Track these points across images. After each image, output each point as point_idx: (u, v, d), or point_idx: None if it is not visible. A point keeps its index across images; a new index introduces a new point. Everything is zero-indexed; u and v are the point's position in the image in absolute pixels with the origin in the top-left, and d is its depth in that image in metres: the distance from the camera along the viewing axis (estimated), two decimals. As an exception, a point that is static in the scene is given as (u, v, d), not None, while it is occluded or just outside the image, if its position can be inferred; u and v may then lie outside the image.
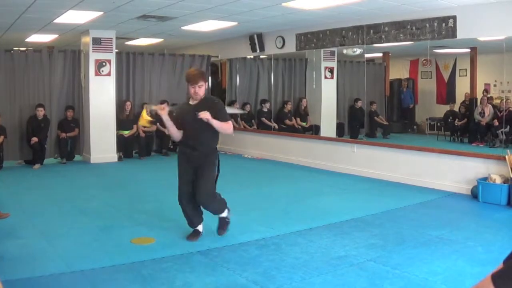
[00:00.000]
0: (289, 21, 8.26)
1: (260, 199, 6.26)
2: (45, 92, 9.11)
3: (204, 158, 4.27)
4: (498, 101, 8.28)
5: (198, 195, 4.22)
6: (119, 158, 9.56)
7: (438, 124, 9.33)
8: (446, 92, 9.33)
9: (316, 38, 8.70)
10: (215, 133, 4.30)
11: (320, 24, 8.43)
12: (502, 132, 7.55)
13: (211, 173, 4.31)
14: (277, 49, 9.65)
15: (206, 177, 4.23)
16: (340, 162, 8.28)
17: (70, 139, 9.30)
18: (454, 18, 6.54)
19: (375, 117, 9.57)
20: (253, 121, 10.72)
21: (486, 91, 8.30)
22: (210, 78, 11.24)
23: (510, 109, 7.78)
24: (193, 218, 4.42)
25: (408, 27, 7.12)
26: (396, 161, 7.40)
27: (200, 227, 4.48)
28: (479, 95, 8.28)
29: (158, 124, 10.03)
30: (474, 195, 6.15)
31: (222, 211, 4.50)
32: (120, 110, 9.65)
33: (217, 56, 11.20)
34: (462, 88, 8.91)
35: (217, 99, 4.51)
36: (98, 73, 9.19)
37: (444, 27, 6.67)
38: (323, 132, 9.44)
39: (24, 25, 8.18)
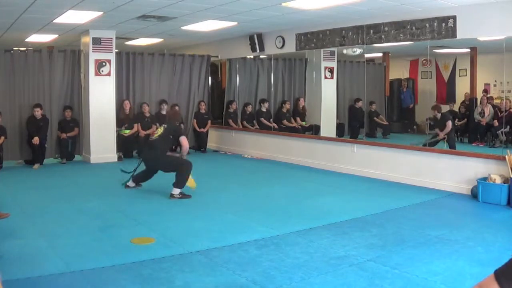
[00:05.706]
0: (289, 21, 8.26)
1: (260, 199, 6.26)
2: (45, 92, 9.11)
3: None
4: (498, 101, 8.28)
5: None
6: (119, 158, 9.56)
7: (438, 124, 9.30)
8: (446, 92, 9.31)
9: (316, 38, 8.70)
10: None
11: (320, 24, 8.43)
12: (502, 132, 7.54)
13: None
14: (277, 49, 9.64)
15: None
16: (340, 162, 8.28)
17: (71, 139, 9.30)
18: (454, 18, 6.54)
19: (375, 117, 9.56)
20: (254, 121, 10.72)
21: (486, 91, 8.29)
22: (210, 78, 11.25)
23: (511, 109, 7.78)
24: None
25: (408, 27, 7.12)
26: (396, 161, 7.40)
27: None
28: (479, 95, 8.28)
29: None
30: (474, 195, 6.14)
31: None
32: (120, 110, 9.65)
33: (217, 56, 11.19)
34: (462, 88, 8.90)
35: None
36: (98, 73, 9.19)
37: (444, 27, 6.67)
38: (323, 132, 9.43)
39: (24, 25, 8.18)
